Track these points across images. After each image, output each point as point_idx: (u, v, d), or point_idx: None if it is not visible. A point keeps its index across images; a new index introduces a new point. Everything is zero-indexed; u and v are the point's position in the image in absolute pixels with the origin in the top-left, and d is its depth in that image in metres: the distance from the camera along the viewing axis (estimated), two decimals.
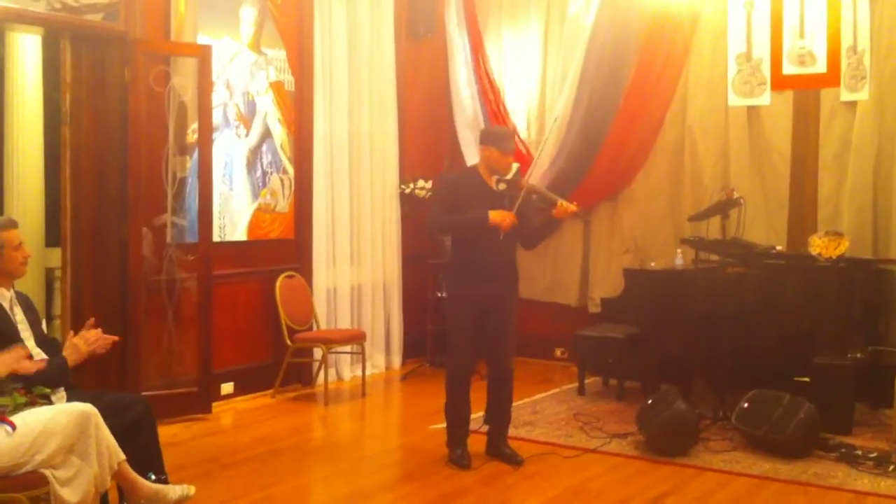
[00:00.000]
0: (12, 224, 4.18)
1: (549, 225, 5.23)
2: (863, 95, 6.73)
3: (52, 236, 7.40)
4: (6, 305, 4.08)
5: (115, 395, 4.31)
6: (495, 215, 4.95)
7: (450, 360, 5.25)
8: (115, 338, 4.24)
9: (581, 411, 6.41)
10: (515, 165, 5.14)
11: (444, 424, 5.34)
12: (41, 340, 4.21)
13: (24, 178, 7.76)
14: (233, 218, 6.76)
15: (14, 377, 3.75)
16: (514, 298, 5.30)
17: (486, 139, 5.25)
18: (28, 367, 3.79)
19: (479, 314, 5.11)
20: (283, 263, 7.15)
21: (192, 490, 4.21)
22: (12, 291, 4.16)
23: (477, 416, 5.43)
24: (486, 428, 5.37)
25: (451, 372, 5.23)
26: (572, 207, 5.00)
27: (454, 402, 5.22)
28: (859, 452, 5.22)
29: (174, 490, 4.14)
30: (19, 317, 4.13)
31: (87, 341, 4.08)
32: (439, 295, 8.12)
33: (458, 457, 5.15)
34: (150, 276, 6.15)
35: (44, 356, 4.06)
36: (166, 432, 5.26)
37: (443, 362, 7.90)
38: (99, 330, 4.13)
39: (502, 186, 5.05)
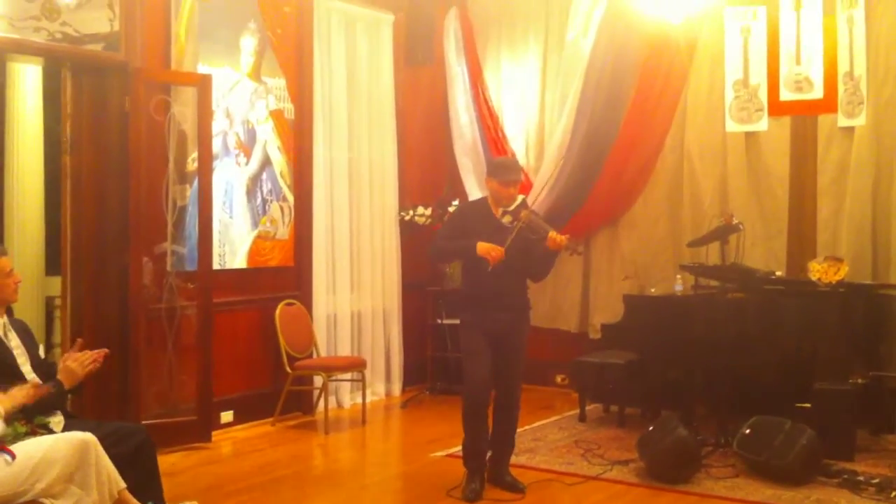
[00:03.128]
0: (2, 252, 4.20)
1: (548, 256, 5.17)
2: (860, 121, 6.75)
3: (53, 265, 7.42)
4: (0, 331, 4.08)
5: (115, 425, 4.30)
6: (482, 247, 4.96)
7: (465, 389, 5.18)
8: (105, 350, 4.24)
9: (582, 438, 6.38)
10: (520, 197, 5.17)
11: (461, 453, 5.27)
12: (37, 365, 4.21)
13: (25, 207, 7.79)
14: (233, 246, 6.77)
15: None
16: (524, 327, 5.29)
17: (488, 170, 5.40)
18: (30, 396, 3.78)
19: (491, 341, 5.10)
20: (282, 291, 7.15)
21: None
22: (5, 318, 4.17)
23: None
24: (488, 454, 5.33)
25: (466, 402, 5.15)
26: (562, 239, 4.96)
27: (471, 434, 5.15)
28: (861, 478, 5.19)
29: None
30: (14, 342, 4.14)
31: (82, 364, 4.09)
32: (439, 322, 8.12)
33: (470, 490, 5.07)
34: (150, 305, 6.15)
35: (39, 381, 4.06)
36: (166, 461, 5.25)
37: (443, 389, 8.00)
38: (90, 352, 4.14)
39: (507, 219, 5.07)
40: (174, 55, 6.35)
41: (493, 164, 5.57)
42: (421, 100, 8.53)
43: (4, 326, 4.14)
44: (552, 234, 4.97)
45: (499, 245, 4.96)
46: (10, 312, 4.25)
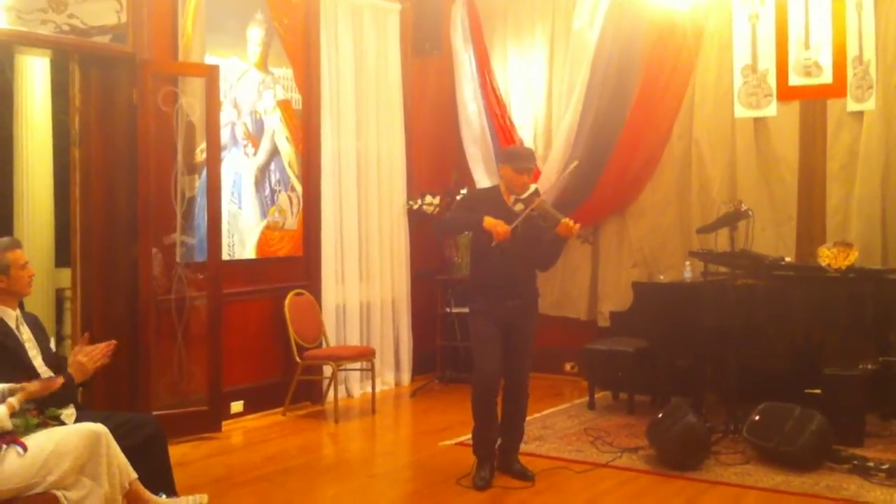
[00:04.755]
0: (17, 244, 4.22)
1: (557, 243, 5.19)
2: (869, 105, 6.72)
3: (62, 257, 7.44)
4: (12, 324, 4.11)
5: (126, 416, 4.33)
6: (489, 221, 4.94)
7: (474, 377, 5.20)
8: (113, 343, 4.28)
9: (591, 426, 6.39)
10: (533, 186, 5.15)
11: (471, 441, 5.29)
12: (49, 359, 4.23)
13: (34, 199, 7.81)
14: (242, 236, 6.78)
15: (27, 400, 3.76)
16: (533, 315, 5.30)
17: (502, 157, 5.42)
18: (40, 391, 3.81)
19: (500, 329, 5.10)
20: (291, 281, 7.17)
21: (204, 499, 4.26)
22: (18, 311, 4.19)
23: None
24: (498, 442, 5.33)
25: (475, 390, 5.16)
26: (575, 226, 4.97)
27: (480, 422, 5.17)
28: (871, 464, 5.18)
29: (186, 500, 4.18)
30: (26, 335, 4.16)
31: (92, 358, 4.12)
32: (448, 311, 8.12)
33: (480, 478, 5.08)
34: (159, 296, 6.18)
35: (52, 374, 4.08)
36: (176, 451, 5.27)
37: (452, 378, 8.02)
38: (100, 345, 4.17)
39: (518, 206, 5.07)
40: (181, 46, 6.36)
41: (507, 152, 5.58)
42: (428, 89, 8.52)
43: (17, 319, 4.16)
44: (565, 220, 4.97)
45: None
46: (21, 306, 4.27)
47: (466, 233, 6.02)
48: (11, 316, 4.12)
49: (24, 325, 4.18)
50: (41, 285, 7.48)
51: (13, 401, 3.66)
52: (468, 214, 5.18)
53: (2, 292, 4.09)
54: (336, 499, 5.09)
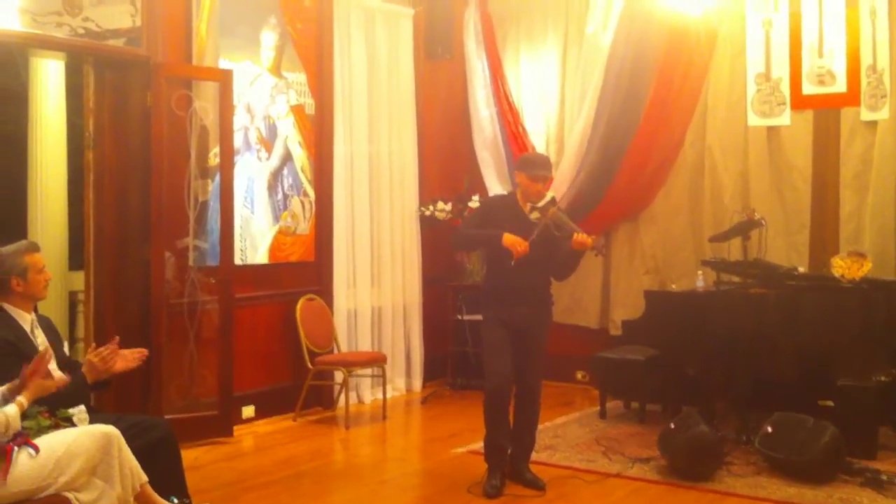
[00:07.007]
0: (35, 248, 4.23)
1: (574, 256, 5.17)
2: (883, 115, 6.69)
3: (76, 260, 7.46)
4: (27, 328, 4.11)
5: (137, 418, 4.32)
6: (508, 238, 4.94)
7: (486, 382, 5.18)
8: (144, 351, 4.28)
9: (603, 435, 6.36)
10: (550, 195, 5.14)
11: (482, 449, 5.28)
12: (63, 362, 4.24)
13: (48, 202, 7.85)
14: (254, 241, 6.79)
15: (38, 399, 3.76)
16: (545, 322, 5.29)
17: (518, 164, 5.41)
18: (51, 386, 3.80)
19: (513, 336, 5.09)
20: (303, 286, 7.17)
21: None
22: (33, 314, 4.20)
23: None
24: (509, 450, 5.31)
25: (487, 397, 5.15)
26: (588, 240, 4.95)
27: (492, 430, 5.15)
28: (884, 477, 5.15)
29: None
30: (40, 339, 4.16)
31: (104, 359, 4.11)
32: (460, 317, 8.11)
33: (491, 486, 5.06)
34: (171, 299, 6.18)
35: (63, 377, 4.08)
36: (188, 455, 5.24)
37: (463, 384, 8.01)
38: (114, 346, 4.16)
39: (535, 215, 5.05)
40: (195, 50, 6.37)
41: (523, 159, 5.57)
42: (441, 94, 8.52)
43: (32, 323, 4.16)
44: (577, 235, 4.94)
45: (524, 239, 4.94)
46: (35, 309, 4.28)
47: None
48: (27, 319, 4.12)
49: (39, 328, 4.19)
50: (55, 288, 7.51)
51: (22, 399, 3.66)
52: (486, 230, 5.14)
53: (18, 296, 4.09)
54: None
